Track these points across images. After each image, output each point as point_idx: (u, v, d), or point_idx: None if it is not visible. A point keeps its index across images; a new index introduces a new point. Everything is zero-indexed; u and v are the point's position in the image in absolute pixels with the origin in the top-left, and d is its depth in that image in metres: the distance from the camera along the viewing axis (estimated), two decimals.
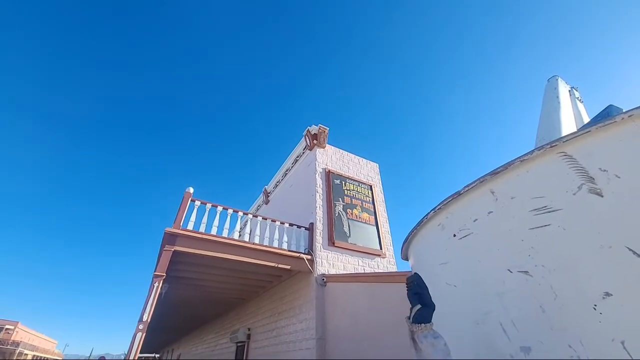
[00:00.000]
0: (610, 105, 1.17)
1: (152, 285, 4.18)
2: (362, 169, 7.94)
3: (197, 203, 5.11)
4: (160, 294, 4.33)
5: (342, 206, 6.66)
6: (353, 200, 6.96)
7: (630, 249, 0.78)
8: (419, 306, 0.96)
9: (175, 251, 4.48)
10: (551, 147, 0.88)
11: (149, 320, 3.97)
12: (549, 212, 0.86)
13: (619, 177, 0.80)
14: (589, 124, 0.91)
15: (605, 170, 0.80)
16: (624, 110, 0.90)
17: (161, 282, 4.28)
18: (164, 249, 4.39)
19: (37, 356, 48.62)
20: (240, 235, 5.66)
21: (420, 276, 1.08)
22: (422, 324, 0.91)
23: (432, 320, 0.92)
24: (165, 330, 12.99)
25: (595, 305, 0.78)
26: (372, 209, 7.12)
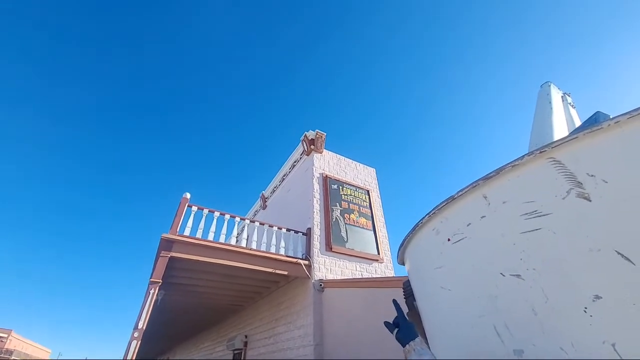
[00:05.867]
0: (598, 112, 1.20)
1: (147, 292, 4.15)
2: (360, 174, 7.98)
3: (194, 209, 5.11)
4: (156, 301, 4.29)
5: (339, 211, 6.67)
6: (350, 205, 6.98)
7: (618, 252, 0.80)
8: (395, 329, 0.98)
9: (171, 257, 4.46)
10: (540, 152, 0.90)
11: (144, 327, 3.92)
12: (539, 216, 0.88)
13: (606, 182, 0.82)
14: (577, 130, 0.93)
15: (592, 176, 0.83)
16: (610, 117, 0.92)
17: (157, 288, 4.24)
18: (160, 255, 4.36)
19: None
20: (237, 241, 5.63)
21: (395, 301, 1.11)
22: (406, 346, 0.92)
23: (414, 337, 0.92)
24: (161, 338, 12.81)
25: (586, 308, 0.79)
26: (370, 214, 7.14)
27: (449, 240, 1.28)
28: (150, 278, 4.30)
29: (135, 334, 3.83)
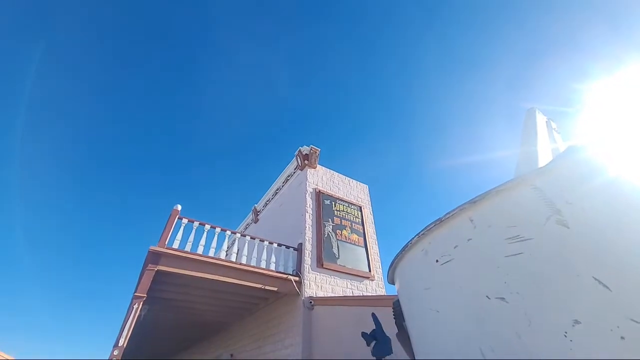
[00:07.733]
0: (575, 143, 1.27)
1: (131, 307, 4.01)
2: (352, 190, 8.03)
3: (185, 221, 5.04)
4: (139, 316, 4.14)
5: (331, 227, 6.65)
6: (343, 221, 6.98)
7: (595, 279, 0.84)
8: (373, 342, 1.00)
9: (158, 271, 4.35)
10: (522, 179, 0.95)
11: (125, 345, 3.77)
12: (521, 241, 0.92)
13: (583, 210, 0.87)
14: (555, 161, 0.99)
15: (570, 203, 0.87)
16: (584, 150, 0.99)
17: (141, 303, 4.11)
18: (147, 268, 4.25)
19: None
20: (227, 255, 5.54)
21: (374, 315, 1.13)
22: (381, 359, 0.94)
23: (389, 353, 0.94)
24: (142, 356, 12.21)
25: (566, 332, 0.82)
26: (362, 230, 7.14)
27: (437, 261, 1.31)
28: (135, 292, 4.17)
29: (115, 352, 3.66)
